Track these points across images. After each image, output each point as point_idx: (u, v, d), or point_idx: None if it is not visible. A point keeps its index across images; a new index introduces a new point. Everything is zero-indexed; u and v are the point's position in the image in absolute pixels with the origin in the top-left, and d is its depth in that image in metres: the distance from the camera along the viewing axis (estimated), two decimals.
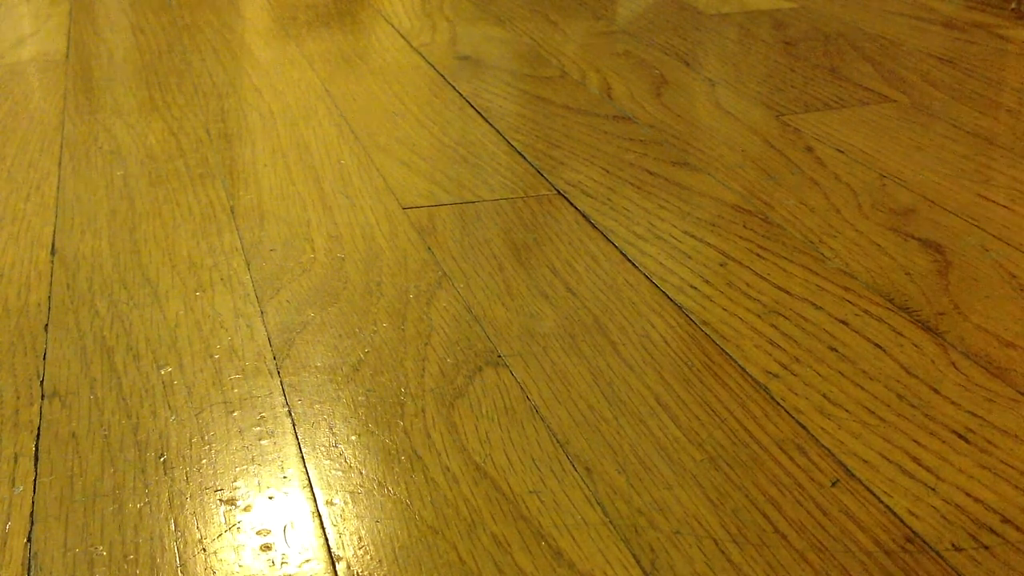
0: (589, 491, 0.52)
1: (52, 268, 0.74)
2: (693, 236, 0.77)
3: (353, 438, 0.56)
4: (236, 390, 0.60)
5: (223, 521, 0.51)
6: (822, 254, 0.74)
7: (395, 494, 0.52)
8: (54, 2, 1.48)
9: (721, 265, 0.73)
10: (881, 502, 0.51)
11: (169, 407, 0.59)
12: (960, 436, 0.55)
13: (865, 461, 0.54)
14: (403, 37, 1.29)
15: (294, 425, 0.57)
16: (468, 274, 0.72)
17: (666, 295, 0.69)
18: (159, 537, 0.50)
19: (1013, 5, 1.37)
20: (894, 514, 0.50)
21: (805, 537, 0.49)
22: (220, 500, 0.52)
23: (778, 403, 0.58)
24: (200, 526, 0.50)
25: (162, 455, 0.55)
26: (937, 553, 0.48)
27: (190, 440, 0.56)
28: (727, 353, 0.63)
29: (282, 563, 0.48)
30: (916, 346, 0.63)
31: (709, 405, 0.58)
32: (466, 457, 0.54)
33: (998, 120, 0.98)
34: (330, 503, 0.52)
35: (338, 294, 0.70)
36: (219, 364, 0.63)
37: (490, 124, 0.99)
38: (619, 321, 0.66)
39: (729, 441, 0.55)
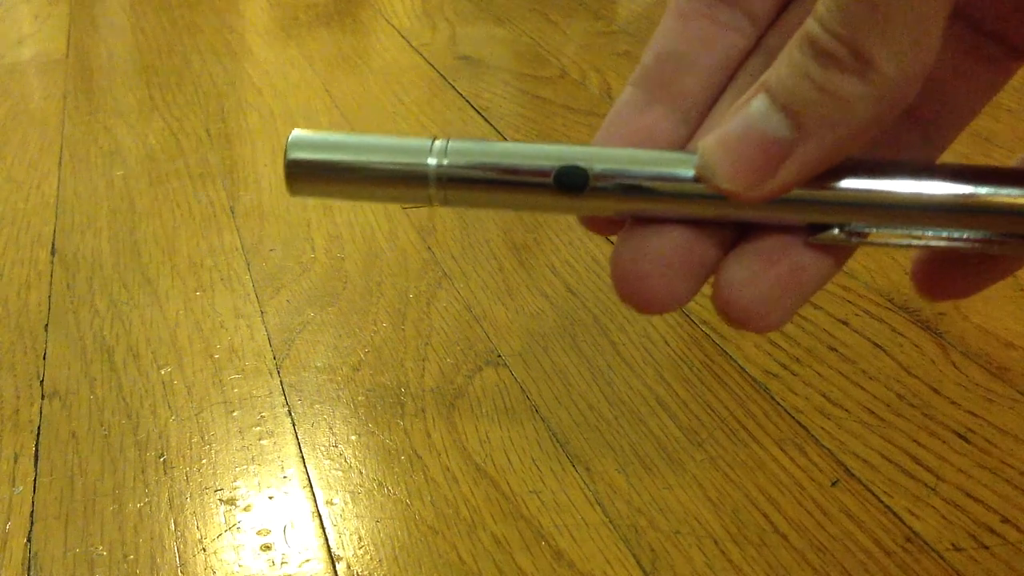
0: (589, 491, 0.52)
1: (52, 268, 0.74)
2: None
3: (353, 438, 0.56)
4: (236, 390, 0.60)
5: (223, 521, 0.51)
6: None
7: (395, 494, 0.52)
8: (54, 2, 1.48)
9: None
10: (881, 502, 0.51)
11: (169, 407, 0.59)
12: (960, 436, 0.55)
13: (865, 461, 0.54)
14: (403, 37, 1.29)
15: (294, 425, 0.57)
16: (468, 274, 0.72)
17: None
18: (159, 537, 0.50)
19: None
20: (894, 514, 0.50)
21: (805, 537, 0.49)
22: (220, 500, 0.52)
23: (778, 403, 0.58)
24: (200, 526, 0.50)
25: (162, 455, 0.55)
26: (937, 553, 0.48)
27: (190, 440, 0.56)
28: (727, 353, 0.63)
29: (282, 563, 0.48)
30: (916, 346, 0.63)
31: (709, 405, 0.58)
32: (466, 457, 0.54)
33: (998, 120, 0.98)
34: (330, 503, 0.52)
35: (338, 294, 0.70)
36: (219, 364, 0.63)
37: (490, 124, 1.00)
38: (619, 321, 0.66)
39: (729, 441, 0.55)
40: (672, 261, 0.25)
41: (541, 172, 0.25)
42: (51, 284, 0.72)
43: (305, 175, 0.25)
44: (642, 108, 0.26)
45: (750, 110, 0.23)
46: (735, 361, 0.62)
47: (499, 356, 0.63)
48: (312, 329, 0.66)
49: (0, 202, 0.85)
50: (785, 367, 0.61)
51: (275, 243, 0.77)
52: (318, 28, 1.33)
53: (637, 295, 0.25)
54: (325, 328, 0.66)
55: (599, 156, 0.25)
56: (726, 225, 0.25)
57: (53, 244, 0.78)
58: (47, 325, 0.67)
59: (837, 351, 0.63)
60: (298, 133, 0.26)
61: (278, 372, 0.62)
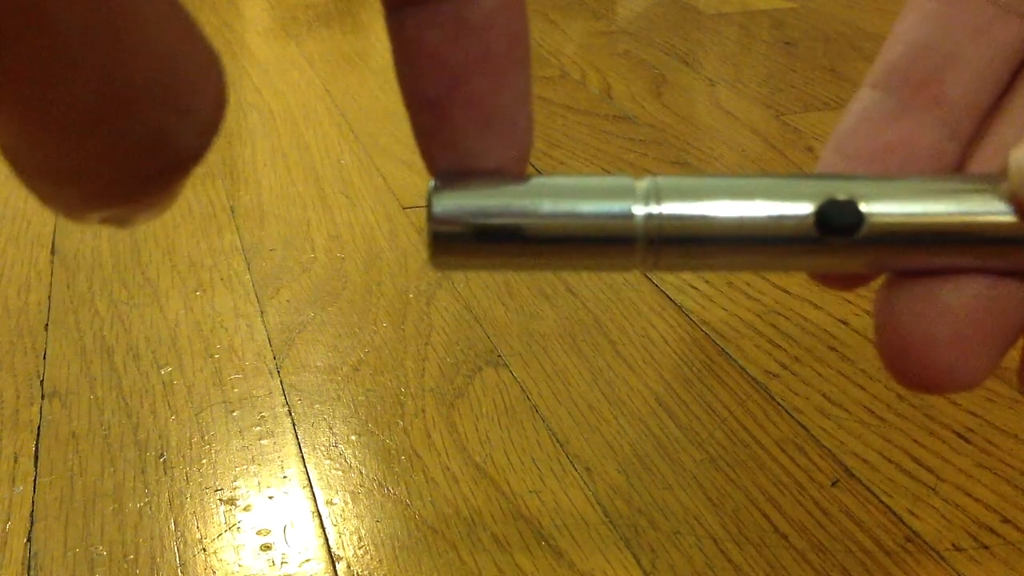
0: (589, 491, 0.52)
1: (52, 268, 0.74)
2: None
3: (353, 438, 0.56)
4: (236, 390, 0.60)
5: (223, 521, 0.51)
6: None
7: (395, 494, 0.52)
8: None
9: None
10: (881, 502, 0.51)
11: (169, 407, 0.59)
12: (960, 436, 0.55)
13: (865, 461, 0.54)
14: None
15: (294, 425, 0.57)
16: (468, 274, 0.72)
17: (666, 295, 0.69)
18: (159, 537, 0.50)
19: None
20: (894, 514, 0.50)
21: (805, 537, 0.49)
22: (220, 500, 0.52)
23: (778, 403, 0.58)
24: (200, 526, 0.50)
25: (162, 455, 0.55)
26: (937, 553, 0.48)
27: (190, 440, 0.56)
28: (727, 353, 0.63)
29: (282, 563, 0.48)
30: None
31: (709, 405, 0.58)
32: (466, 457, 0.54)
33: None
34: (330, 503, 0.52)
35: (338, 294, 0.70)
36: (219, 364, 0.63)
37: None
38: (619, 321, 0.66)
39: (729, 441, 0.55)
40: (972, 324, 0.19)
41: (793, 215, 0.18)
42: (51, 284, 0.72)
43: (457, 242, 0.18)
44: (893, 116, 0.20)
45: None
46: (735, 361, 0.62)
47: (499, 356, 0.63)
48: (312, 329, 0.66)
49: (0, 202, 0.85)
50: (785, 367, 0.61)
51: (275, 243, 0.77)
52: (318, 28, 1.33)
53: (925, 369, 0.19)
54: (325, 328, 0.66)
55: (869, 189, 0.18)
56: None
57: (53, 244, 0.78)
58: (47, 325, 0.67)
59: (837, 351, 0.63)
60: (441, 185, 0.19)
61: (278, 372, 0.62)
